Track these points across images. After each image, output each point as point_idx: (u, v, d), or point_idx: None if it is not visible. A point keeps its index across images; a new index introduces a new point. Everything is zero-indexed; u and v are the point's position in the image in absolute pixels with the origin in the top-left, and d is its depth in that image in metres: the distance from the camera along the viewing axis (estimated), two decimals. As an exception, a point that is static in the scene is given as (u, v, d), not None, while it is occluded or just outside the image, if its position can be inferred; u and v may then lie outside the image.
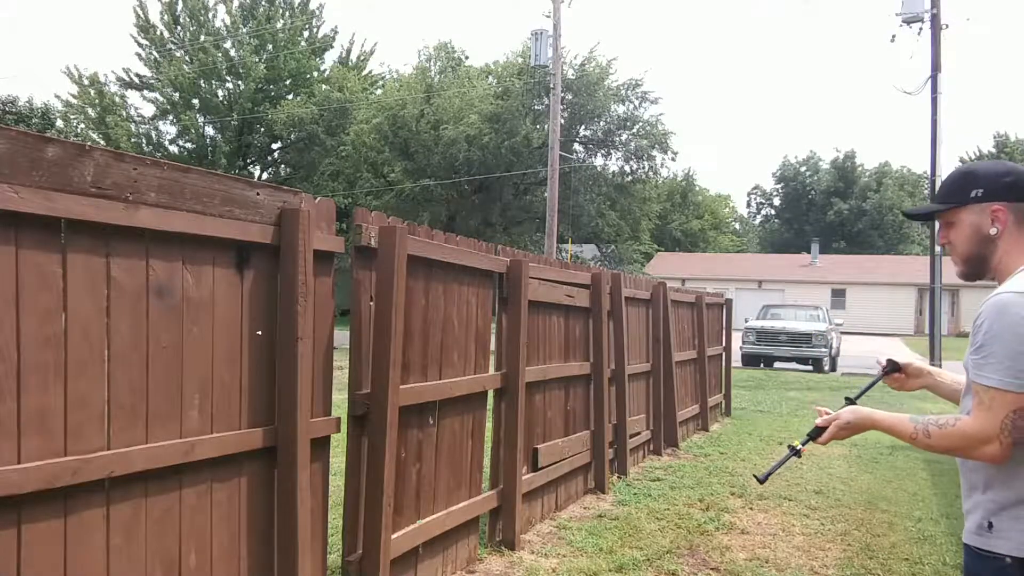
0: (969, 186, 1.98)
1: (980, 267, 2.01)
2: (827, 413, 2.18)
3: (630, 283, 7.58)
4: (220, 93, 36.97)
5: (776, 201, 72.24)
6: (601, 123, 33.59)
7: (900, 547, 5.27)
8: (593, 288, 6.48)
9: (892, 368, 2.33)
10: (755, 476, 2.43)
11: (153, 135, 37.77)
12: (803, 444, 2.22)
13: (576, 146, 33.74)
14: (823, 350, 20.22)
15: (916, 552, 5.17)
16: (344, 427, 3.54)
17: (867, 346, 26.18)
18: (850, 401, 2.22)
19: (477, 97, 31.66)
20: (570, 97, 32.09)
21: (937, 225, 2.07)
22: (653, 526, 5.52)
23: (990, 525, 1.89)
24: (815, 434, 2.17)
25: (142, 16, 36.35)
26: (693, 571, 4.68)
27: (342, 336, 3.66)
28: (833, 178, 65.00)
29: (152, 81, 37.10)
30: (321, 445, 3.30)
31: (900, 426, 2.02)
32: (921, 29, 19.01)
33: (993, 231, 1.95)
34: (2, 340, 2.16)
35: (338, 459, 3.79)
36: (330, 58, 39.38)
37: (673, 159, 40.92)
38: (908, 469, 7.97)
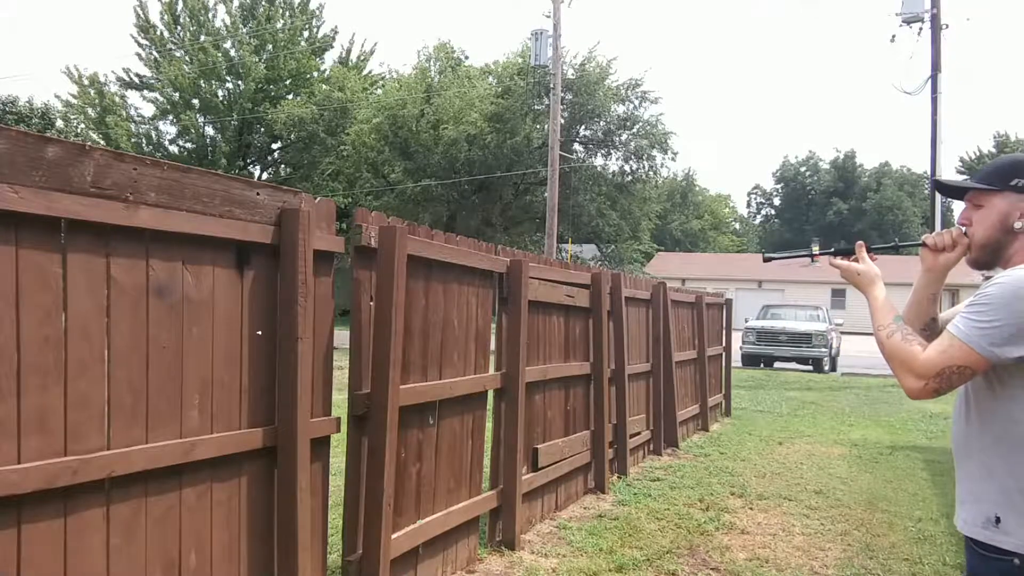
0: (1012, 175, 1.96)
1: (993, 256, 2.00)
2: (867, 255, 2.21)
3: (630, 283, 7.58)
4: (220, 93, 36.94)
5: (776, 201, 72.36)
6: (601, 123, 33.54)
7: (900, 547, 5.28)
8: (593, 288, 6.48)
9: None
10: (763, 253, 2.71)
11: (153, 135, 37.75)
12: (821, 253, 2.38)
13: (576, 146, 33.69)
14: (823, 350, 20.21)
15: (916, 552, 5.17)
16: (344, 427, 3.54)
17: (867, 346, 26.12)
18: (897, 248, 2.36)
19: (477, 97, 31.61)
20: (570, 97, 32.05)
21: (964, 206, 2.05)
22: (653, 526, 5.52)
23: (997, 519, 1.83)
24: (839, 253, 2.25)
25: (142, 16, 36.35)
26: (693, 571, 4.68)
27: (342, 336, 3.66)
28: (833, 178, 65.10)
29: (152, 81, 37.08)
30: (321, 445, 3.31)
31: (881, 312, 2.05)
32: (921, 29, 18.98)
33: (1018, 225, 1.94)
34: (2, 340, 2.16)
35: (338, 459, 3.79)
36: (330, 58, 39.36)
37: (673, 159, 40.95)
38: (908, 469, 7.97)
